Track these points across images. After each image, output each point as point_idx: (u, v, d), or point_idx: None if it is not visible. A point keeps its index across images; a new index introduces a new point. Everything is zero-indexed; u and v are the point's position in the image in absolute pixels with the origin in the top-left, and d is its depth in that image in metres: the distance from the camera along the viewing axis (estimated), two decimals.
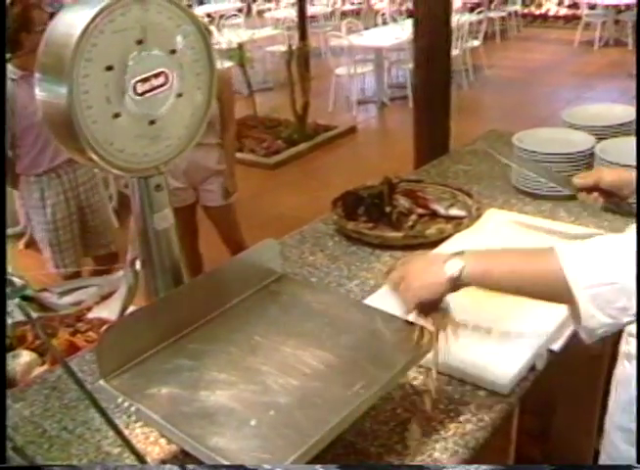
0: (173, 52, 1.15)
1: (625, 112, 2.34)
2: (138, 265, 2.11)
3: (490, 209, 2.12)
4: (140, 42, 1.09)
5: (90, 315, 2.15)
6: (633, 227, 1.11)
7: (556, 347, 1.47)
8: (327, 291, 1.58)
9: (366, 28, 8.49)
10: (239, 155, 4.64)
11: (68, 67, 1.00)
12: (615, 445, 1.45)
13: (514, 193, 2.26)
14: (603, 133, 2.20)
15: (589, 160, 2.11)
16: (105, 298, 2.25)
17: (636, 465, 1.41)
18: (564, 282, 1.05)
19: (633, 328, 1.40)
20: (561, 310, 1.51)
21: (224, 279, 1.33)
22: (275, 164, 5.93)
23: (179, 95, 1.18)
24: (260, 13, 10.20)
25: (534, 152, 2.17)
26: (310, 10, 8.15)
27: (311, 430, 1.02)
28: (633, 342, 1.42)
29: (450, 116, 3.19)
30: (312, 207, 5.14)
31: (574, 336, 1.50)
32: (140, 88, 1.10)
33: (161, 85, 1.13)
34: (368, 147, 6.89)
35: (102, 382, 1.14)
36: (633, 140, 2.18)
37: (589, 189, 1.67)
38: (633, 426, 1.38)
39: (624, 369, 1.47)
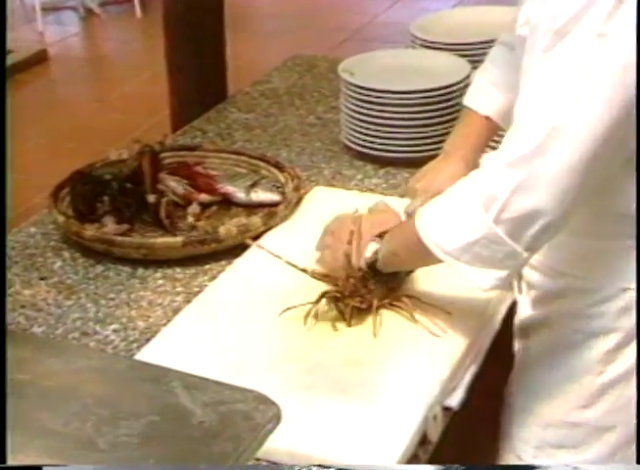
0: None
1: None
2: None
3: (315, 187, 2.18)
4: None
5: None
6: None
7: (454, 402, 1.55)
8: (82, 350, 1.57)
9: None
10: None
11: None
12: None
13: (347, 158, 2.36)
14: (479, 55, 2.27)
15: (461, 98, 2.22)
16: None
17: None
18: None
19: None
20: (457, 342, 1.62)
21: None
22: None
23: None
24: None
25: (374, 90, 2.27)
26: None
27: None
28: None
29: (224, 32, 3.22)
30: None
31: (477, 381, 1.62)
32: None
33: None
34: (72, 87, 6.83)
35: None
36: None
37: None
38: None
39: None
